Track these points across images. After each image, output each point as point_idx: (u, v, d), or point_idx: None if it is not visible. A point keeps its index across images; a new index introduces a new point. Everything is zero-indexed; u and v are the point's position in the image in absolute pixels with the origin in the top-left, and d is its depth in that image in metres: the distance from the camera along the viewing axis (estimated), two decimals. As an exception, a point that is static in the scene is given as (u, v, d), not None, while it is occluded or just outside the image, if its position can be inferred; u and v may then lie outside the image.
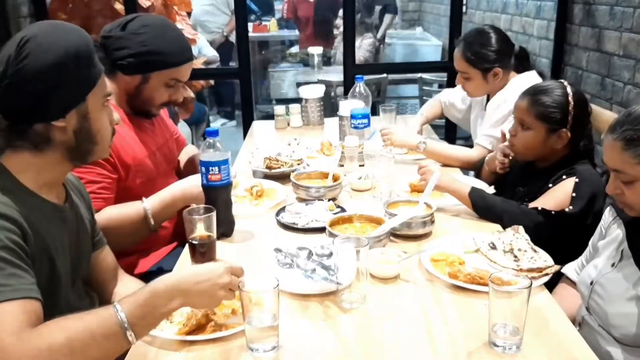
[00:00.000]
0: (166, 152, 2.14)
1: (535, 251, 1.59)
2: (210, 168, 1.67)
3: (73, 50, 1.25)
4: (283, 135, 3.04)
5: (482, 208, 1.87)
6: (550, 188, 1.90)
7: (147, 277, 1.95)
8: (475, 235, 1.69)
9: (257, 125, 3.31)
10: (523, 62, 2.56)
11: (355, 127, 2.57)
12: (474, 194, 1.88)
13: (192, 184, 1.81)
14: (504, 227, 1.80)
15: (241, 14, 3.67)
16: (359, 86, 2.58)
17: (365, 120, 2.56)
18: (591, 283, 1.58)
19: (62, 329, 1.09)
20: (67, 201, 1.40)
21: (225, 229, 1.77)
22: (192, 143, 5.05)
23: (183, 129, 4.33)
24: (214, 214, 1.58)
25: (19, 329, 1.06)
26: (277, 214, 1.90)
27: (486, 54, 2.43)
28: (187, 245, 1.64)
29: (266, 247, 1.71)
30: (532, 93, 1.98)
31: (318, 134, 3.03)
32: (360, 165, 2.34)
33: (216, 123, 7.22)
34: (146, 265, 2.02)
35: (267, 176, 2.26)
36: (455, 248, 1.63)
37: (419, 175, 2.11)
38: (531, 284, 1.17)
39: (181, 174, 2.21)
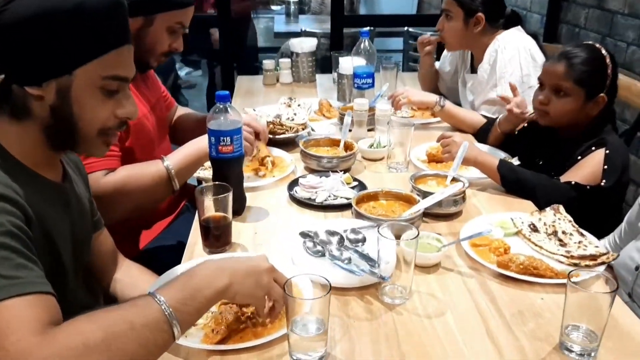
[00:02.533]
0: (159, 113, 1.90)
1: (582, 234, 1.47)
2: (222, 138, 1.47)
3: (72, 4, 1.00)
4: (272, 92, 2.82)
5: (511, 182, 1.73)
6: (578, 160, 1.77)
7: (150, 254, 1.78)
8: (512, 215, 1.55)
9: (242, 81, 3.06)
10: (514, 25, 2.41)
11: (359, 88, 2.37)
12: (503, 167, 1.74)
13: None
14: (537, 203, 1.68)
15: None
16: (364, 42, 2.37)
17: (370, 81, 2.37)
18: (637, 268, 1.48)
19: (96, 322, 0.88)
20: (67, 179, 1.19)
21: (237, 206, 1.57)
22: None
23: (154, 81, 4.02)
24: (230, 194, 1.39)
25: (43, 327, 0.84)
26: (290, 187, 1.72)
27: None
28: (194, 226, 1.46)
29: (284, 226, 1.53)
30: (568, 56, 1.82)
31: (310, 92, 2.83)
32: (368, 130, 2.17)
33: (181, 72, 6.85)
34: (149, 238, 1.84)
35: (268, 142, 2.05)
36: (494, 230, 1.48)
37: (437, 143, 1.96)
38: (617, 288, 1.03)
39: (180, 140, 1.98)
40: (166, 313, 0.93)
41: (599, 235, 1.68)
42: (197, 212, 1.43)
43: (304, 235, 1.39)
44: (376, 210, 1.54)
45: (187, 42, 1.85)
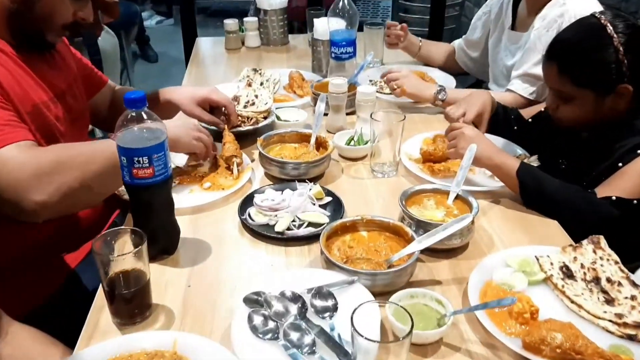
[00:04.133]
0: (72, 102, 1.44)
1: (634, 284, 1.07)
2: (136, 159, 1.04)
3: None
4: (236, 60, 2.36)
5: (533, 194, 1.33)
6: (618, 168, 1.35)
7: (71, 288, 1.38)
8: (537, 252, 1.15)
9: (202, 43, 2.58)
10: None
11: (337, 58, 1.93)
12: (524, 172, 1.33)
13: (182, 129, 1.38)
14: (565, 225, 1.29)
15: None
16: (344, 0, 1.90)
17: (351, 50, 1.93)
18: None
19: None
20: None
21: (165, 243, 1.17)
22: (123, 53, 4.20)
23: (108, 39, 3.48)
24: (144, 245, 0.97)
25: None
26: (242, 208, 1.30)
27: None
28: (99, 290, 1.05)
29: (231, 273, 1.13)
30: (557, 53, 1.39)
31: (281, 59, 2.38)
32: (347, 114, 1.73)
33: (151, 21, 6.26)
34: (74, 263, 1.44)
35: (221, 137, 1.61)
36: (514, 277, 1.09)
37: (433, 135, 1.55)
38: None
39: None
40: None
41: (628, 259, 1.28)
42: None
43: (249, 303, 0.98)
44: (353, 250, 1.13)
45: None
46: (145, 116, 1.05)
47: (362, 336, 0.78)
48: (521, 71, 1.85)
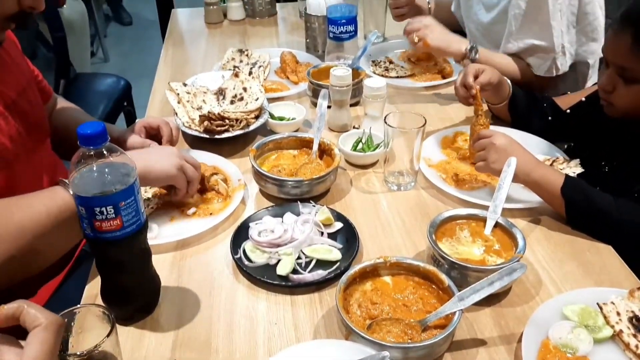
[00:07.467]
0: (26, 108, 1.18)
1: None
2: (97, 209, 0.80)
3: None
4: (218, 37, 2.08)
5: (582, 215, 1.11)
6: None
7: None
8: (599, 296, 0.95)
9: (179, 16, 2.29)
10: None
11: (336, 39, 1.67)
12: (571, 190, 1.11)
13: (158, 156, 1.11)
14: (621, 249, 1.08)
15: None
16: (340, -32, 1.63)
17: (351, 28, 1.67)
18: None
19: None
20: None
21: (142, 302, 0.95)
22: (93, 17, 3.85)
23: (74, 6, 3.15)
24: (116, 332, 0.74)
25: None
26: (235, 242, 1.07)
27: None
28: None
29: (226, 342, 0.91)
30: (636, 18, 1.13)
31: (270, 34, 2.11)
32: (351, 105, 1.50)
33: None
34: None
35: (205, 142, 1.37)
36: (575, 334, 0.89)
37: (452, 131, 1.33)
38: None
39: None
40: None
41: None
42: None
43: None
44: (377, 308, 0.91)
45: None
46: (106, 152, 0.81)
47: None
48: (523, 44, 1.53)
